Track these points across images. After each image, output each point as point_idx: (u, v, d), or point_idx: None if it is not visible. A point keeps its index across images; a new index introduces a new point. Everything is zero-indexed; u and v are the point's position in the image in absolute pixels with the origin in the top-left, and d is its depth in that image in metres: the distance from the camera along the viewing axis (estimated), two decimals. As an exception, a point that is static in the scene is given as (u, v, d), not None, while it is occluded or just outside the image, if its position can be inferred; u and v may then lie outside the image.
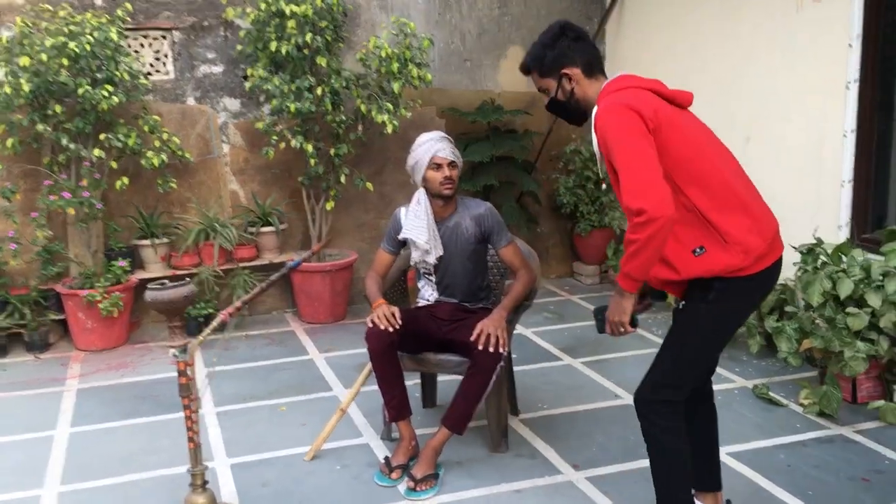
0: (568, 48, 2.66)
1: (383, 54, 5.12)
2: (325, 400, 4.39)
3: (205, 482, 3.03)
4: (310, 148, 5.26)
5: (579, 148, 6.34)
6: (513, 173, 6.16)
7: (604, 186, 6.33)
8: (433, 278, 3.75)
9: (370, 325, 3.47)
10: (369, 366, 3.72)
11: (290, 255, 5.82)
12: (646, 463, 3.53)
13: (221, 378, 4.66)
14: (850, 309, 3.90)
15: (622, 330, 2.62)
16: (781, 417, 3.99)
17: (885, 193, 4.49)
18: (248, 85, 5.43)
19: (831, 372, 3.91)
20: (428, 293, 3.81)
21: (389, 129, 5.16)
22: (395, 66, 5.10)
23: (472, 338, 3.39)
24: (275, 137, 5.34)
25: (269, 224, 5.70)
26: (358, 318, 5.86)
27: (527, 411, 4.13)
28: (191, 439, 2.97)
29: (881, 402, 3.89)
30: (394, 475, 3.45)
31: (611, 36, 6.54)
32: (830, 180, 4.60)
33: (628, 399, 4.27)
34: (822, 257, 4.18)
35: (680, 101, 2.64)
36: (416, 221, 3.61)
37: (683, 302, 2.62)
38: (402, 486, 3.40)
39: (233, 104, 5.81)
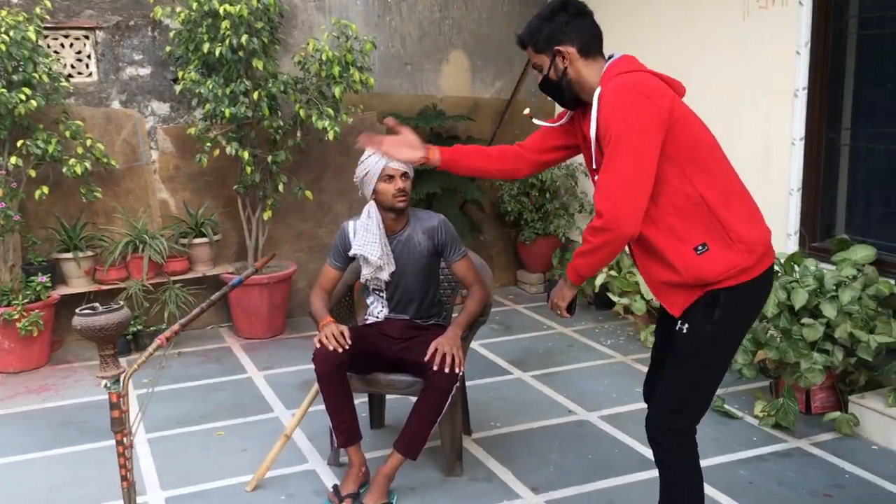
0: (566, 24, 2.45)
1: (324, 57, 4.89)
2: (265, 422, 4.14)
3: (139, 523, 2.77)
4: (246, 155, 4.99)
5: (523, 154, 6.21)
6: (456, 181, 5.99)
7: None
8: (384, 295, 3.56)
9: (318, 345, 3.26)
10: (315, 387, 3.50)
11: (224, 268, 5.53)
12: (606, 484, 3.44)
13: (153, 400, 4.35)
14: (805, 320, 3.85)
15: (559, 312, 2.60)
16: (738, 430, 3.92)
17: (833, 202, 4.48)
18: (178, 88, 5.13)
19: (788, 383, 3.86)
20: (377, 310, 3.61)
21: (331, 135, 4.94)
22: (337, 69, 4.88)
23: (427, 357, 3.21)
24: (208, 144, 5.06)
25: (203, 235, 5.40)
26: (297, 332, 5.61)
27: (479, 430, 3.97)
28: (124, 477, 2.71)
29: (837, 414, 3.85)
30: (344, 505, 3.25)
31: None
32: (779, 188, 4.57)
33: (583, 415, 4.15)
34: (776, 267, 4.13)
35: (678, 91, 2.47)
36: (368, 236, 3.42)
37: (687, 325, 2.44)
38: (354, 517, 3.20)
39: (162, 108, 5.50)
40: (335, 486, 3.32)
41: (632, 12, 5.52)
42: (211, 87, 4.82)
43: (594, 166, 2.47)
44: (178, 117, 5.54)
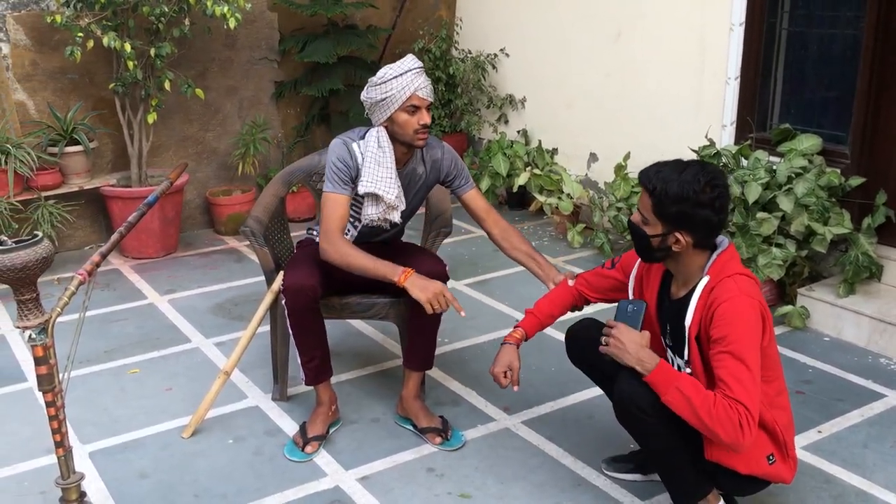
0: (701, 217, 2.16)
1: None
2: (185, 355, 3.66)
3: (82, 495, 2.30)
4: (128, 47, 4.26)
5: (429, 46, 5.74)
6: (358, 75, 5.48)
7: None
8: (357, 223, 3.04)
9: (430, 311, 2.68)
10: (260, 313, 3.08)
11: (104, 180, 4.83)
12: (579, 397, 3.28)
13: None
14: (760, 214, 3.74)
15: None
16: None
17: (768, 91, 4.35)
18: (32, -33, 4.30)
19: (748, 281, 3.76)
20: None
21: (231, 23, 4.26)
22: (233, -56, 4.20)
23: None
24: (79, 34, 4.27)
25: (76, 142, 4.65)
26: (193, 248, 5.04)
27: (429, 348, 3.66)
28: (59, 443, 2.22)
29: (789, 308, 3.81)
30: (309, 448, 2.86)
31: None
32: (714, 77, 4.40)
33: (532, 323, 3.91)
34: (724, 159, 3.98)
35: None
36: (381, 171, 2.79)
37: None
38: (430, 446, 2.94)
39: (10, -8, 4.62)
40: (303, 426, 2.93)
41: None
42: (79, -36, 4.04)
43: (685, 358, 2.30)
44: (31, 2, 4.67)
